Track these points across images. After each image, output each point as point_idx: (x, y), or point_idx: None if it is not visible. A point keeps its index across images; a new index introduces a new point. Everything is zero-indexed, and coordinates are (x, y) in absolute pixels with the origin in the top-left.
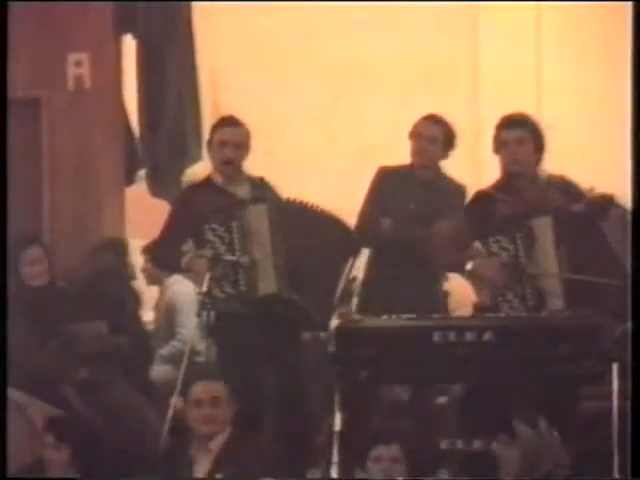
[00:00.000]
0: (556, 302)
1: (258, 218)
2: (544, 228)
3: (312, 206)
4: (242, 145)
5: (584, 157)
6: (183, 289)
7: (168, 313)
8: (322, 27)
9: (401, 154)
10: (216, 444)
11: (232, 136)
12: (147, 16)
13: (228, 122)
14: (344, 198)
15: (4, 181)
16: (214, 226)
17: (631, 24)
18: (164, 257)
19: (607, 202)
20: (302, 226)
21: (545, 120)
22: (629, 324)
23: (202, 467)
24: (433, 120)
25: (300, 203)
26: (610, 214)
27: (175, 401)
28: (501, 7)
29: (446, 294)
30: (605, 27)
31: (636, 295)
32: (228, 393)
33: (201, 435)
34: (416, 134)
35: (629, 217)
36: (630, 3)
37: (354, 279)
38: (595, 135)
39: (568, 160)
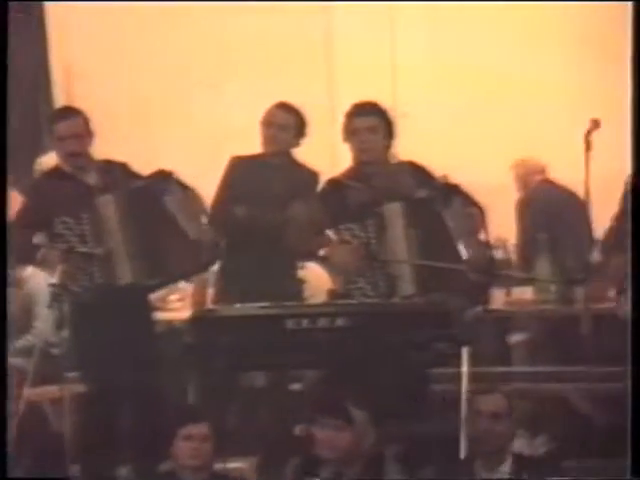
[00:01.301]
0: (407, 287)
1: (106, 207)
2: (394, 214)
3: (165, 190)
4: (82, 135)
5: (439, 145)
6: (40, 282)
7: (24, 306)
8: (180, 12)
9: (258, 140)
10: None
11: (68, 130)
12: None
13: (61, 116)
14: (202, 185)
15: (4, 182)
16: (65, 219)
17: (631, 24)
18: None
19: (449, 190)
20: (156, 211)
21: (400, 108)
22: (479, 309)
23: None
24: (284, 108)
25: (152, 188)
26: (452, 202)
27: (27, 393)
28: None
29: (301, 281)
30: (463, 10)
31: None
32: None
33: None
34: (267, 122)
35: (473, 210)
36: (630, 3)
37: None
38: (451, 123)
39: (423, 148)
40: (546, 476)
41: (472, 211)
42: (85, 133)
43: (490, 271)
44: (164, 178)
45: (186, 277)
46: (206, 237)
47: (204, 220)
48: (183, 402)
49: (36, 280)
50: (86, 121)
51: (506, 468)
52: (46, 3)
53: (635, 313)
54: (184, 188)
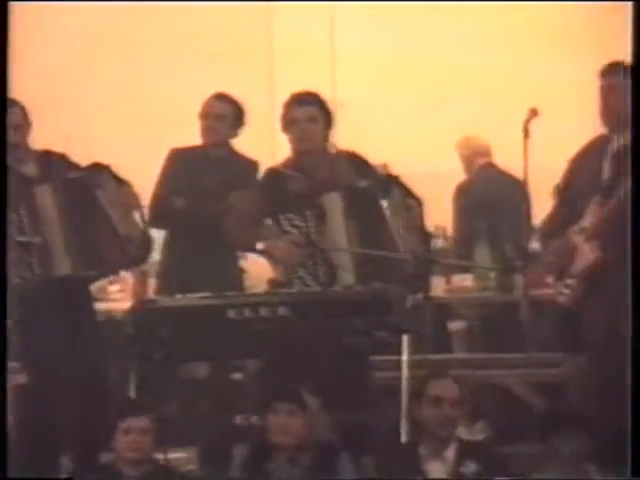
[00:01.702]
0: (347, 277)
1: (43, 197)
2: (333, 204)
3: (98, 183)
4: (20, 126)
5: (378, 135)
6: None
7: None
8: (122, 3)
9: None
10: None
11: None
12: None
13: None
14: (141, 178)
15: (4, 182)
16: None
17: (631, 24)
18: None
19: (389, 180)
20: (89, 204)
21: (338, 98)
22: (419, 296)
23: None
24: (220, 99)
25: (86, 180)
26: (391, 192)
27: None
28: None
29: (241, 271)
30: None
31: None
32: None
33: None
34: (204, 113)
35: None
36: (630, 3)
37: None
38: (390, 114)
39: (361, 138)
40: (488, 462)
41: (411, 203)
42: (23, 123)
43: (429, 262)
44: (99, 171)
45: (115, 272)
46: (136, 233)
47: (137, 215)
48: (124, 394)
49: None
50: (24, 111)
51: (451, 453)
52: None
53: (635, 310)
54: (118, 182)
